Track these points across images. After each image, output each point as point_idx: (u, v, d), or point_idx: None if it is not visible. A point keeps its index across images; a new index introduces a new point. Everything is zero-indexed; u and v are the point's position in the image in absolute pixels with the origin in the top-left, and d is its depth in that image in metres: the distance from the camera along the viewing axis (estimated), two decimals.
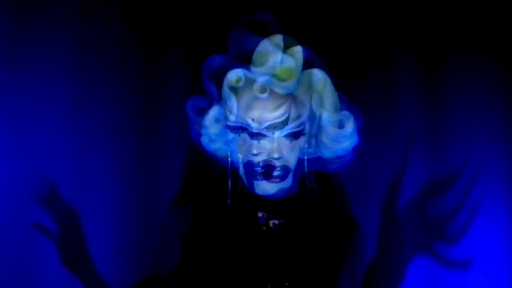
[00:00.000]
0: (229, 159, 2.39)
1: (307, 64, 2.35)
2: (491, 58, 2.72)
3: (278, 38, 2.32)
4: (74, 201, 2.61)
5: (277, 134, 2.30)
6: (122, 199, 2.64)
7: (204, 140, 2.40)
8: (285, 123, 2.29)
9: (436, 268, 2.69)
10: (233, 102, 2.31)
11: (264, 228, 2.34)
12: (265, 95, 2.28)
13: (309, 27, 2.66)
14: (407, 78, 2.72)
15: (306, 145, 2.34)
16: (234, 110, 2.31)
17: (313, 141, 2.36)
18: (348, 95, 2.43)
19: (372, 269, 2.65)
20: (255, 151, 2.30)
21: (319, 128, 2.36)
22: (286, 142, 2.31)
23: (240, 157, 2.35)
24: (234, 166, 2.40)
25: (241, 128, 2.31)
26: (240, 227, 2.35)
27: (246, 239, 2.33)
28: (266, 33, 2.36)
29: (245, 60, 2.34)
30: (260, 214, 2.35)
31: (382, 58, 2.72)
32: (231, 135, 2.35)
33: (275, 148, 2.30)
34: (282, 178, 2.32)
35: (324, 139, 2.36)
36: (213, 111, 2.36)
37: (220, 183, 2.42)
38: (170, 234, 2.40)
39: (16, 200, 2.58)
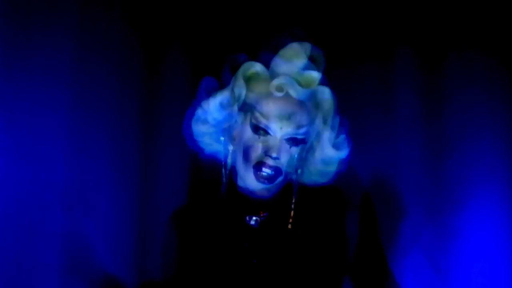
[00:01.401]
0: (224, 150, 2.39)
1: (321, 83, 2.37)
2: (491, 56, 2.72)
3: (307, 46, 2.35)
4: (74, 201, 2.62)
5: (280, 135, 2.31)
6: (122, 200, 2.64)
7: (198, 118, 2.38)
8: (295, 131, 2.31)
9: (436, 268, 2.70)
10: (241, 90, 2.32)
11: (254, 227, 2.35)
12: (281, 94, 2.30)
13: (308, 25, 2.66)
14: (407, 76, 2.73)
15: (299, 157, 2.34)
16: (241, 97, 2.33)
17: (304, 154, 2.37)
18: (347, 93, 2.44)
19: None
20: (254, 144, 2.31)
21: (314, 145, 2.37)
22: (286, 145, 2.32)
23: (231, 149, 2.36)
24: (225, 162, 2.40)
25: (250, 111, 2.32)
26: (231, 228, 2.36)
27: (236, 239, 2.34)
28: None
29: None
30: (247, 218, 2.36)
31: (382, 56, 2.72)
32: (234, 119, 2.35)
33: (275, 147, 2.31)
34: (272, 179, 2.32)
35: (316, 156, 2.37)
36: (220, 95, 2.35)
37: (212, 183, 2.43)
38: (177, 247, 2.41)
39: (16, 200, 2.58)
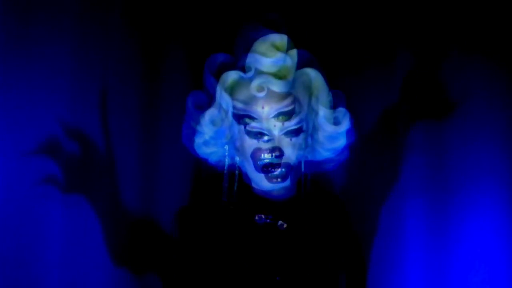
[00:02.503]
0: (226, 159, 2.40)
1: (306, 65, 2.36)
2: (491, 56, 2.72)
3: (275, 37, 2.34)
4: (74, 201, 2.62)
5: (277, 132, 2.31)
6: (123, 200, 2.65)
7: (198, 142, 2.40)
8: (291, 113, 2.30)
9: (436, 268, 2.70)
10: (227, 102, 2.33)
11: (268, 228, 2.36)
12: (262, 93, 2.29)
13: (309, 26, 2.67)
14: (407, 77, 2.72)
15: (304, 144, 2.35)
16: (229, 110, 2.33)
17: (309, 140, 2.38)
18: (348, 94, 2.44)
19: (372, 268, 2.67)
20: (255, 150, 2.31)
21: (316, 126, 2.37)
22: (286, 139, 2.32)
23: (237, 160, 2.37)
24: (230, 168, 2.40)
25: (249, 117, 2.32)
26: (240, 229, 2.36)
27: (247, 240, 2.34)
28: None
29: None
30: (257, 217, 2.37)
31: (383, 57, 2.72)
32: (232, 132, 2.36)
33: (276, 146, 2.31)
34: (285, 177, 2.33)
35: (321, 137, 2.38)
36: (209, 114, 2.37)
37: (217, 184, 2.43)
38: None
39: (16, 201, 2.60)
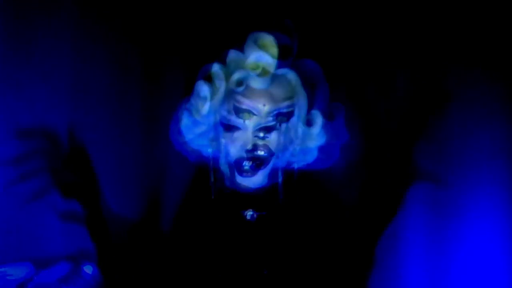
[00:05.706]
0: (222, 153, 2.41)
1: (308, 77, 2.39)
2: (491, 60, 2.71)
3: (258, 35, 2.36)
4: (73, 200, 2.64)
5: (251, 127, 2.32)
6: (120, 200, 2.66)
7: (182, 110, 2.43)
8: (291, 114, 2.32)
9: (436, 268, 2.71)
10: (206, 94, 2.35)
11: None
12: (241, 88, 2.32)
13: (311, 35, 2.67)
14: (408, 79, 2.72)
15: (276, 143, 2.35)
16: (206, 104, 2.35)
17: (281, 138, 2.38)
18: (350, 96, 2.45)
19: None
20: (228, 142, 2.34)
21: (289, 126, 2.38)
22: (260, 135, 2.33)
23: (210, 150, 2.40)
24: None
25: (248, 112, 2.33)
26: (225, 223, 2.38)
27: (230, 235, 2.36)
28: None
29: None
30: (249, 212, 2.38)
31: (384, 63, 2.72)
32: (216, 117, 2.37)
33: (250, 140, 2.32)
34: (254, 171, 2.34)
35: (292, 135, 2.38)
36: (200, 84, 2.39)
37: (203, 179, 2.45)
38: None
39: (16, 201, 2.62)
